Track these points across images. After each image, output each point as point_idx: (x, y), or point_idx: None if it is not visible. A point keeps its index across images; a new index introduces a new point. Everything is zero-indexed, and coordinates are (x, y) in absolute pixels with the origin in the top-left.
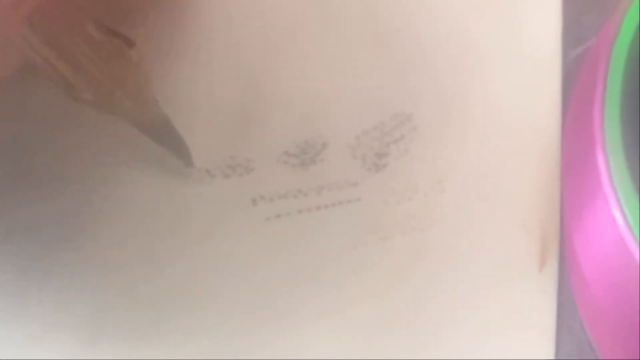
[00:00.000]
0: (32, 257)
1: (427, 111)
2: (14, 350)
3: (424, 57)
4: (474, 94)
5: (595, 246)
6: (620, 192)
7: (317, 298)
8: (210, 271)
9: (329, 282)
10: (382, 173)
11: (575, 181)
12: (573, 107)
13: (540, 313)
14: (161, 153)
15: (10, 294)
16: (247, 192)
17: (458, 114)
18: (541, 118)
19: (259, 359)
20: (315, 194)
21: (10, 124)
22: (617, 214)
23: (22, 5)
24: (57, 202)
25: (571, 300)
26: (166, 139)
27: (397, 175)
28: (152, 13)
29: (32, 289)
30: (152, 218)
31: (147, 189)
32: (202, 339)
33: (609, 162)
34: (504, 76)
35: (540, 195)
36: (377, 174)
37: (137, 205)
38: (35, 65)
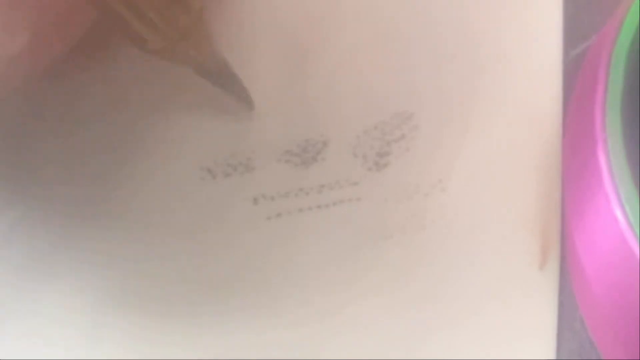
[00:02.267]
0: (34, 257)
1: (428, 110)
2: (15, 348)
3: (425, 56)
4: (474, 93)
5: (596, 245)
6: (621, 191)
7: (318, 297)
8: (210, 269)
9: (330, 281)
10: (383, 172)
11: (576, 180)
12: (574, 106)
13: (541, 312)
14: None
15: (12, 292)
16: (248, 190)
17: (459, 113)
18: (542, 117)
19: (259, 359)
20: (316, 192)
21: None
22: (618, 213)
23: None
24: (65, 194)
25: (572, 299)
26: (228, 84)
27: (398, 175)
28: None
29: (34, 287)
30: (153, 217)
31: (151, 189)
32: (202, 338)
33: (610, 160)
34: (505, 75)
35: (541, 194)
36: (378, 173)
37: (138, 206)
38: (104, 20)
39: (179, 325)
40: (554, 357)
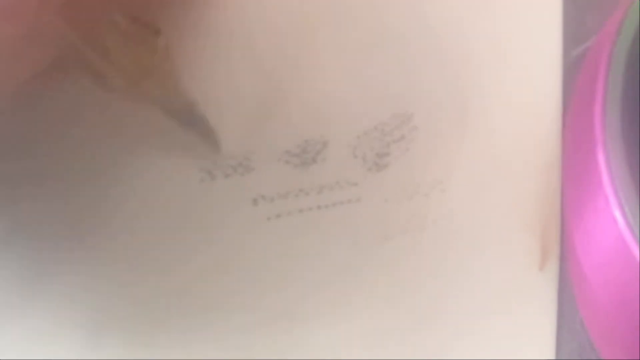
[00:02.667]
0: (35, 256)
1: (427, 111)
2: (15, 348)
3: (425, 57)
4: (474, 93)
5: (596, 246)
6: (621, 192)
7: (318, 298)
8: (211, 271)
9: (330, 281)
10: (382, 173)
11: (575, 180)
12: (574, 106)
13: (540, 312)
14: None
15: (12, 292)
16: (248, 191)
17: (458, 114)
18: (542, 117)
19: (260, 359)
20: (316, 193)
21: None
22: (617, 213)
23: None
24: (64, 200)
25: (572, 300)
26: (194, 125)
27: (398, 175)
28: (176, 2)
29: (34, 288)
30: (153, 218)
31: (151, 188)
32: (202, 339)
33: (609, 161)
34: (505, 76)
35: (541, 194)
36: (378, 173)
37: (138, 206)
38: (65, 57)
39: (178, 325)
40: (553, 358)
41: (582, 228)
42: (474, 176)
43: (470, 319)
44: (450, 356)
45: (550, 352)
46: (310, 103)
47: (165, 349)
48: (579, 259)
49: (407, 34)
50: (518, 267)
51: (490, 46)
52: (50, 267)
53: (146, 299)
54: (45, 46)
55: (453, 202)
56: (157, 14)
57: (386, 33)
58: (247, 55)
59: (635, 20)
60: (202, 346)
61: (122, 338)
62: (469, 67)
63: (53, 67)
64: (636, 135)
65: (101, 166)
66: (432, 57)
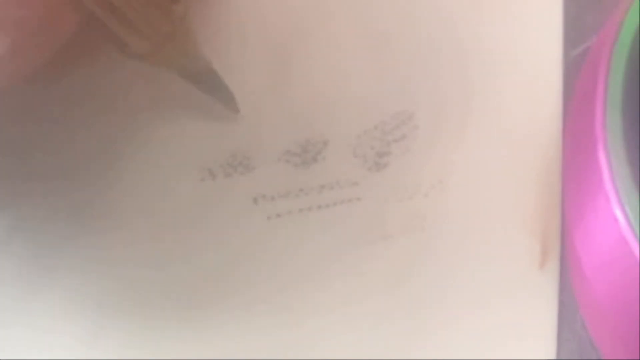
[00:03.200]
0: (34, 257)
1: (428, 110)
2: (15, 348)
3: (425, 56)
4: (475, 93)
5: (597, 245)
6: (622, 191)
7: (318, 297)
8: (211, 270)
9: (330, 281)
10: (383, 172)
11: (576, 180)
12: (574, 105)
13: (541, 312)
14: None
15: (12, 292)
16: (249, 191)
17: (459, 113)
18: (542, 117)
19: (260, 358)
20: (317, 193)
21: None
22: (618, 213)
23: None
24: (64, 198)
25: (572, 300)
26: (213, 88)
27: (398, 175)
28: None
29: (34, 288)
30: (153, 218)
31: (150, 188)
32: (202, 338)
33: (610, 160)
34: (505, 75)
35: (541, 193)
36: (378, 173)
37: (139, 206)
38: (90, 24)
39: (178, 325)
40: (554, 357)
41: (582, 227)
42: (474, 176)
43: (470, 319)
44: (451, 356)
45: (551, 352)
46: (311, 102)
47: (166, 348)
48: (580, 259)
49: (408, 34)
50: (518, 267)
51: (490, 46)
52: (50, 266)
53: (146, 298)
54: (68, 15)
55: (453, 201)
56: None
57: (387, 33)
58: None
59: (636, 19)
60: (201, 345)
61: (122, 337)
62: (470, 66)
63: (76, 38)
64: (637, 134)
65: (101, 160)
66: (432, 56)
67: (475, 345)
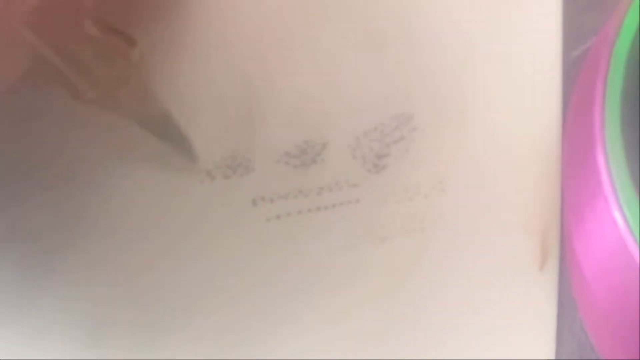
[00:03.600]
0: (34, 257)
1: (427, 112)
2: (15, 348)
3: (424, 58)
4: (474, 94)
5: (596, 246)
6: (621, 193)
7: (317, 299)
8: (210, 272)
9: (329, 283)
10: (382, 174)
11: (575, 181)
12: (573, 107)
13: (540, 313)
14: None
15: (12, 292)
16: (248, 192)
17: (458, 114)
18: (541, 118)
19: (259, 359)
20: (316, 194)
21: (16, 128)
22: (617, 215)
23: (19, 6)
24: (60, 202)
25: (571, 301)
26: (169, 136)
27: (397, 176)
28: (151, 12)
29: (34, 288)
30: (153, 219)
31: (150, 190)
32: (201, 340)
33: (609, 162)
34: (504, 76)
35: (541, 195)
36: (377, 174)
37: (139, 206)
38: (39, 67)
39: (178, 326)
40: (553, 358)
41: (581, 229)
42: (474, 177)
43: (470, 319)
44: (450, 356)
45: (551, 352)
46: (310, 104)
47: (165, 348)
48: (579, 260)
49: (407, 34)
50: (518, 268)
51: (490, 47)
52: (50, 267)
53: (146, 299)
54: (15, 58)
55: (453, 203)
56: (130, 24)
57: (386, 34)
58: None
59: (635, 20)
60: (200, 346)
61: (121, 338)
62: (469, 67)
63: (25, 79)
64: (636, 136)
65: (95, 167)
66: (432, 57)
67: (475, 345)
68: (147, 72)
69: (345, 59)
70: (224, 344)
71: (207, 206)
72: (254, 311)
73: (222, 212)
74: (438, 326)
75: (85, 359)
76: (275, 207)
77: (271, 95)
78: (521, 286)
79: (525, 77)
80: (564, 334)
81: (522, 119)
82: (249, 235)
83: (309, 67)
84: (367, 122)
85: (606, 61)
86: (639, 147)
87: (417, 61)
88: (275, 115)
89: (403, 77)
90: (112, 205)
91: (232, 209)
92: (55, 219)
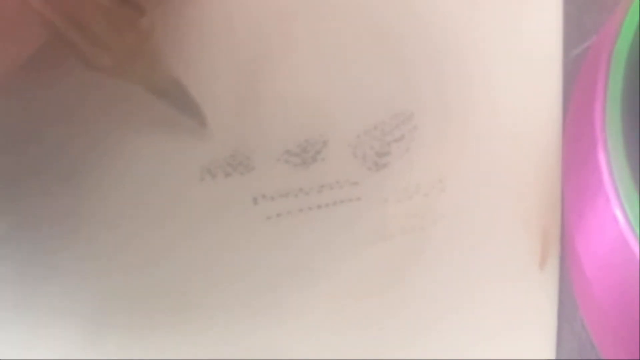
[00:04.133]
0: (35, 253)
1: (427, 111)
2: (15, 346)
3: (425, 56)
4: (474, 93)
5: (597, 245)
6: (622, 191)
7: (318, 297)
8: (210, 269)
9: (330, 281)
10: (382, 172)
11: (576, 180)
12: (574, 106)
13: (541, 312)
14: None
15: (13, 290)
16: (248, 190)
17: (459, 113)
18: (542, 117)
19: (260, 358)
20: (316, 192)
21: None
22: (618, 213)
23: None
24: (62, 196)
25: (572, 299)
26: (179, 101)
27: (398, 175)
28: None
29: (35, 284)
30: (153, 216)
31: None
32: (201, 337)
33: (610, 160)
34: (505, 75)
35: (541, 193)
36: (378, 173)
37: (139, 203)
38: (52, 41)
39: (178, 325)
40: (553, 357)
41: (582, 227)
42: (474, 176)
43: (470, 319)
44: (450, 355)
45: (551, 352)
46: (311, 102)
47: (165, 349)
48: (580, 259)
49: (408, 33)
50: (518, 267)
51: (490, 46)
52: (48, 268)
53: (146, 298)
54: (29, 33)
55: (453, 201)
56: None
57: (387, 32)
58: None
59: (636, 19)
60: (201, 344)
61: (121, 337)
62: (470, 66)
63: (41, 53)
64: (636, 134)
65: (97, 158)
66: (432, 56)
67: (476, 344)
68: (156, 42)
69: (346, 58)
70: (225, 342)
71: (208, 204)
72: (254, 309)
73: (223, 211)
74: (438, 325)
75: (85, 358)
76: (275, 205)
77: (272, 94)
78: (522, 285)
79: (526, 75)
80: (564, 333)
81: (523, 117)
82: (250, 234)
83: (310, 65)
84: (367, 121)
85: (607, 59)
86: (639, 145)
87: (418, 60)
88: (276, 114)
89: (404, 76)
90: (112, 203)
91: (233, 207)
92: (54, 215)
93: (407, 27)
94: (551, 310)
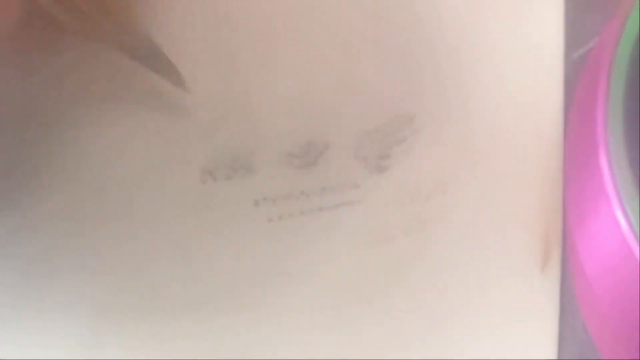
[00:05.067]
0: (35, 256)
1: (429, 113)
2: (16, 346)
3: (427, 59)
4: (476, 95)
5: (598, 247)
6: (623, 193)
7: (320, 299)
8: (212, 272)
9: (331, 283)
10: (384, 175)
11: (577, 182)
12: (575, 108)
13: (542, 313)
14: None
15: (14, 292)
16: (250, 193)
17: (460, 115)
18: (544, 119)
19: (261, 358)
20: (318, 195)
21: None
22: (619, 215)
23: None
24: (63, 196)
25: (573, 301)
26: (156, 63)
27: (400, 177)
28: None
29: (35, 287)
30: (155, 218)
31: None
32: (202, 339)
33: (611, 163)
34: (506, 78)
35: (543, 195)
36: (380, 175)
37: (142, 203)
38: (28, 13)
39: (178, 328)
40: (555, 358)
41: (584, 229)
42: (476, 178)
43: (472, 320)
44: (452, 356)
45: (553, 353)
46: (312, 104)
47: (165, 351)
48: (581, 261)
49: (410, 36)
50: (520, 269)
51: (491, 48)
52: (48, 268)
53: (147, 299)
54: (7, 4)
55: (455, 203)
56: None
57: (388, 34)
58: (230, 60)
59: (637, 22)
60: (201, 346)
61: (122, 338)
62: (471, 69)
63: (19, 26)
64: (638, 137)
65: (98, 161)
66: (433, 59)
67: (477, 345)
68: (130, 2)
69: (348, 60)
70: (225, 343)
71: (209, 206)
72: (255, 311)
73: (224, 213)
74: (439, 327)
75: (85, 359)
76: (277, 207)
77: (273, 96)
78: (523, 287)
79: (527, 78)
80: (566, 335)
81: (524, 120)
82: (251, 236)
83: (312, 67)
84: (369, 123)
85: (608, 62)
86: None
87: (419, 63)
88: (277, 116)
89: (405, 78)
90: (112, 205)
91: (234, 210)
92: (54, 216)
93: (410, 29)
94: (552, 311)
